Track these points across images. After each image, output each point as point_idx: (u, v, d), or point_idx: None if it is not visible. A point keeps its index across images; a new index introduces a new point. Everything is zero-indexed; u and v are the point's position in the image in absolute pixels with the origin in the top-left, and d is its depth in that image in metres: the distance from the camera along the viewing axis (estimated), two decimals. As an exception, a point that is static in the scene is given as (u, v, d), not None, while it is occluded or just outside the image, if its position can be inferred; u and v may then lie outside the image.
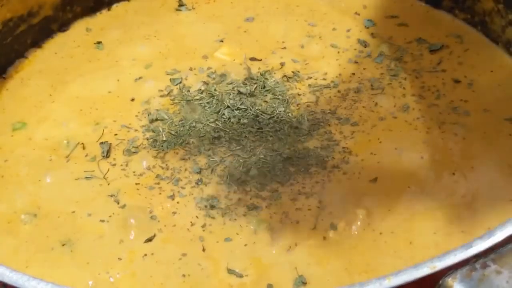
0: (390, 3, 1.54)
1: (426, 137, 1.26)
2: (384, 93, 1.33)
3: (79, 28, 1.54)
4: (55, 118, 1.32)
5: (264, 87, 1.34)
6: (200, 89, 1.35)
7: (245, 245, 1.12)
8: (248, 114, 1.29)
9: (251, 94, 1.32)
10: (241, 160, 1.22)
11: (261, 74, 1.37)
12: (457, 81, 1.35)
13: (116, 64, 1.43)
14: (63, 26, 1.53)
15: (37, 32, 1.48)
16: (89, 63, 1.45)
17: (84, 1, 1.54)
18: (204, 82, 1.37)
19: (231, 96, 1.32)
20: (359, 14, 1.52)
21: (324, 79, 1.37)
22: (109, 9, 1.58)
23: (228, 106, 1.30)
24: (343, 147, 1.25)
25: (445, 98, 1.32)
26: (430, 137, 1.26)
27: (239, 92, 1.32)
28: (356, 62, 1.40)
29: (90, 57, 1.46)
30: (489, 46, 1.43)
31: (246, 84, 1.35)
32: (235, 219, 1.15)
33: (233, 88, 1.34)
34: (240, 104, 1.30)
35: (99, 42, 1.49)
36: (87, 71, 1.42)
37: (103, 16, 1.56)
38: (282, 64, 1.40)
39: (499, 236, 0.85)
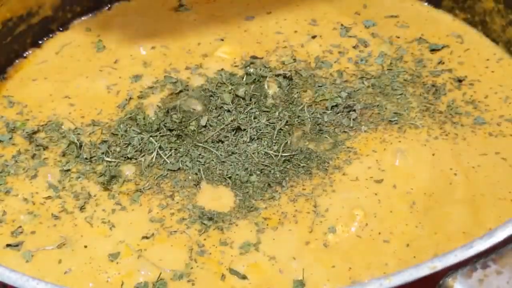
0: (390, 3, 1.54)
1: (428, 137, 1.25)
2: (385, 93, 1.33)
3: (79, 28, 1.53)
4: (55, 118, 1.32)
5: (264, 86, 1.34)
6: (200, 89, 1.35)
7: (244, 247, 1.12)
8: (248, 115, 1.28)
9: (251, 94, 1.32)
10: (240, 162, 1.22)
11: (261, 73, 1.37)
12: (457, 81, 1.35)
13: (116, 63, 1.43)
14: (63, 26, 1.53)
15: (36, 32, 1.48)
16: (89, 62, 1.44)
17: (84, 0, 1.54)
18: (204, 81, 1.37)
19: (231, 96, 1.31)
20: (359, 14, 1.52)
21: (325, 77, 1.36)
22: (109, 9, 1.57)
23: (228, 110, 1.30)
24: (345, 148, 1.25)
25: (446, 98, 1.32)
26: (431, 137, 1.26)
27: (238, 93, 1.32)
28: (356, 62, 1.40)
29: (90, 56, 1.46)
30: (490, 46, 1.43)
31: (246, 83, 1.34)
32: (234, 222, 1.15)
33: (233, 88, 1.33)
34: (239, 105, 1.30)
35: (99, 42, 1.48)
36: (87, 70, 1.42)
37: (103, 16, 1.56)
38: (283, 63, 1.40)
39: (499, 236, 0.85)
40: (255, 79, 1.35)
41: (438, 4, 1.51)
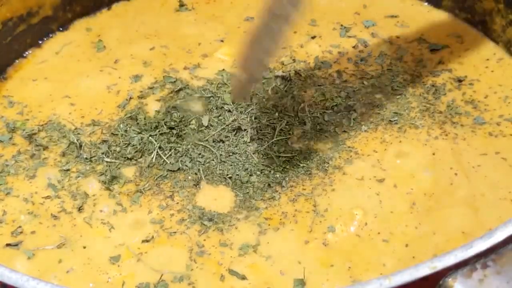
0: (390, 3, 1.54)
1: (428, 137, 1.25)
2: (385, 93, 1.33)
3: (79, 27, 1.54)
4: (55, 118, 1.32)
5: (265, 87, 1.34)
6: (201, 89, 1.35)
7: (244, 247, 1.12)
8: (249, 115, 1.28)
9: (252, 95, 1.32)
10: (241, 162, 1.22)
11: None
12: (457, 81, 1.35)
13: (116, 63, 1.43)
14: (63, 26, 1.53)
15: (36, 32, 1.48)
16: (89, 62, 1.44)
17: (84, 0, 1.54)
18: (205, 81, 1.36)
19: (229, 96, 1.31)
20: (359, 14, 1.52)
21: (325, 78, 1.36)
22: (109, 9, 1.58)
23: (228, 110, 1.29)
24: (345, 148, 1.24)
25: (446, 98, 1.32)
26: (431, 137, 1.25)
27: None
28: (356, 62, 1.40)
29: (90, 56, 1.46)
30: (490, 46, 1.43)
31: None
32: (234, 223, 1.15)
33: (229, 88, 1.33)
34: (240, 106, 1.30)
35: (99, 42, 1.48)
36: (87, 70, 1.42)
37: (103, 16, 1.56)
38: (282, 64, 1.40)
39: (499, 236, 0.85)
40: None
41: (438, 4, 1.51)
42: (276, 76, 1.36)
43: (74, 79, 1.40)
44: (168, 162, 1.23)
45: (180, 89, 1.35)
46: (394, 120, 1.28)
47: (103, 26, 1.53)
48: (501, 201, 1.16)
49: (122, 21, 1.54)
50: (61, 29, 1.53)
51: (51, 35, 1.51)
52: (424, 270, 0.83)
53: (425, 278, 0.83)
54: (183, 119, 1.28)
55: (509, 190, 1.17)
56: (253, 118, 1.28)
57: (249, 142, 1.24)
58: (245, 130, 1.26)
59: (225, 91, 1.33)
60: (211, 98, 1.32)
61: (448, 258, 0.84)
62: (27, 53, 1.48)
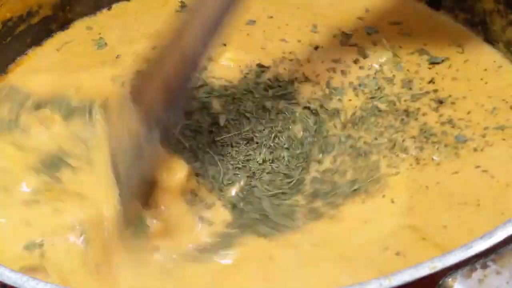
0: (392, 7, 1.52)
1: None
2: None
3: (79, 27, 1.53)
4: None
5: (283, 96, 1.31)
6: (222, 88, 1.32)
7: None
8: (266, 129, 1.26)
9: (278, 110, 1.28)
10: (247, 185, 1.19)
11: (277, 82, 1.34)
12: (438, 102, 1.30)
13: (116, 63, 1.42)
14: (63, 26, 1.53)
15: (36, 32, 1.49)
16: (90, 61, 1.44)
17: (84, 0, 1.54)
18: (222, 84, 1.34)
19: (253, 105, 1.29)
20: (361, 19, 1.49)
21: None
22: (109, 9, 1.57)
23: (247, 118, 1.27)
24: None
25: (417, 123, 1.27)
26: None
27: (266, 105, 1.28)
28: (355, 88, 1.34)
29: (91, 56, 1.46)
30: (490, 53, 1.40)
31: (270, 96, 1.31)
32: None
33: (258, 97, 1.30)
34: (263, 118, 1.26)
35: (100, 39, 1.49)
36: (87, 70, 1.41)
37: (103, 16, 1.56)
38: (291, 72, 1.36)
39: (499, 236, 0.85)
40: (281, 94, 1.31)
41: (438, 4, 1.49)
42: (304, 107, 1.29)
43: (76, 72, 1.38)
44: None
45: (201, 86, 1.32)
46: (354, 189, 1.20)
47: (103, 26, 1.53)
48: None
49: (122, 21, 1.54)
50: (61, 29, 1.53)
51: (51, 35, 1.51)
52: (424, 270, 0.83)
53: (425, 278, 0.83)
54: (187, 123, 1.26)
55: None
56: (272, 136, 1.24)
57: (260, 163, 1.21)
58: (257, 143, 1.23)
59: (248, 98, 1.30)
60: (234, 99, 1.29)
61: (448, 258, 0.84)
62: (27, 52, 1.48)
